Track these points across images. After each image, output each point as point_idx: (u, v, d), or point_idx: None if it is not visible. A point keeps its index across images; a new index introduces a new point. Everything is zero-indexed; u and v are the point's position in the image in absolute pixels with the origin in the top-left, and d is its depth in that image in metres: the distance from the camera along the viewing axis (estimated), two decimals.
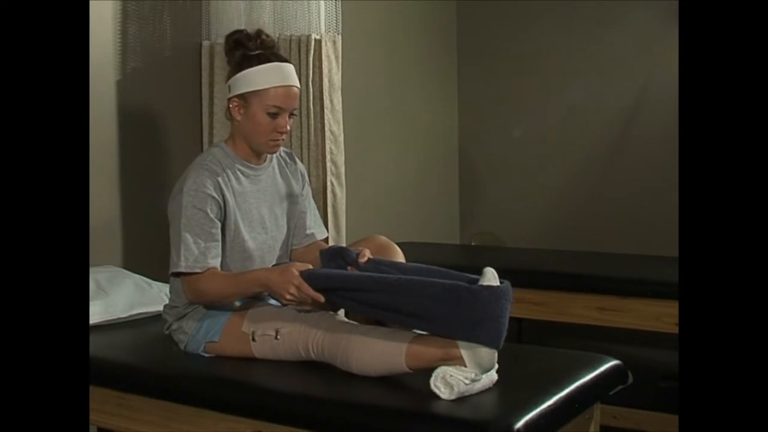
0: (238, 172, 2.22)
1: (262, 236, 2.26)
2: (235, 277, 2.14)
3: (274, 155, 2.33)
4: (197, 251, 2.10)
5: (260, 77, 2.16)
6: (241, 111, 2.19)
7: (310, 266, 2.04)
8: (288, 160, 2.38)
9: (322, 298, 1.97)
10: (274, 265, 2.21)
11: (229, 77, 2.22)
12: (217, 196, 2.14)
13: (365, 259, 2.06)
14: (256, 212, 2.25)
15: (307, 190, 2.41)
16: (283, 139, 2.22)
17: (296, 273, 1.98)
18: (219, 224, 2.15)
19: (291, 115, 2.21)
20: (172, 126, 3.16)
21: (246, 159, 2.24)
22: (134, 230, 3.04)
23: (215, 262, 2.13)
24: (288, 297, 1.99)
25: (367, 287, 1.95)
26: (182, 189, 2.14)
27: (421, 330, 1.92)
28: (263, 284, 2.05)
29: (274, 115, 2.17)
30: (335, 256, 2.11)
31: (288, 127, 2.20)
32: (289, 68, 2.21)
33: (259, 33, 2.22)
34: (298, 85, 2.22)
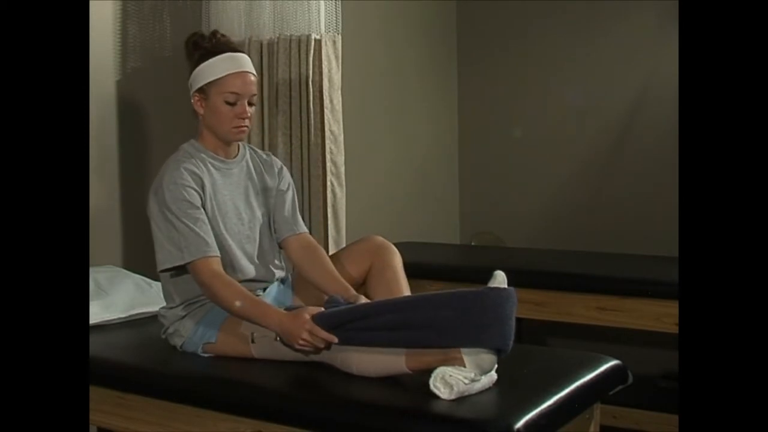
0: (210, 165, 2.25)
1: (238, 226, 2.27)
2: (250, 303, 2.08)
3: (247, 151, 2.37)
4: (197, 238, 2.12)
5: (215, 68, 2.21)
6: (203, 104, 2.24)
7: (323, 309, 2.02)
8: (264, 157, 2.42)
9: (335, 339, 1.95)
10: (287, 308, 2.11)
11: (189, 77, 2.27)
12: (196, 186, 2.18)
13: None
14: (230, 203, 2.27)
15: (288, 184, 2.41)
16: (246, 126, 2.25)
17: (307, 317, 1.97)
18: (204, 211, 2.18)
19: (251, 103, 2.25)
20: (171, 126, 3.16)
21: (214, 151, 2.28)
22: (134, 230, 3.04)
23: (215, 246, 2.14)
24: (300, 343, 1.98)
25: (378, 312, 1.94)
26: (161, 185, 2.16)
27: (435, 346, 1.87)
28: (275, 329, 2.03)
29: (233, 103, 2.21)
30: (332, 307, 2.07)
31: (249, 113, 2.24)
32: (243, 57, 2.27)
33: (214, 33, 2.30)
34: (254, 73, 2.27)
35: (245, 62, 2.25)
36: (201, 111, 2.25)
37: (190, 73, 2.26)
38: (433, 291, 2.06)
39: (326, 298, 2.14)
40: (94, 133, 2.61)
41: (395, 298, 2.03)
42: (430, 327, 1.86)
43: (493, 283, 1.85)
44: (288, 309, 2.09)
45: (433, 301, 1.89)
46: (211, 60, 2.22)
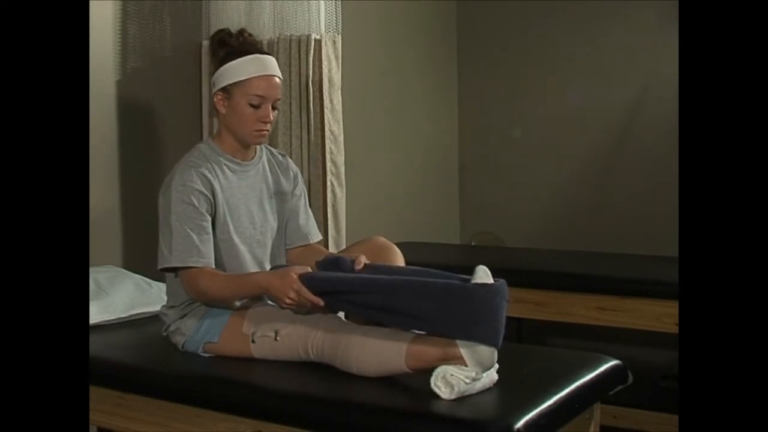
0: (225, 167, 2.23)
1: (250, 230, 2.26)
2: (235, 278, 2.14)
3: (264, 153, 2.35)
4: (190, 245, 2.11)
5: (241, 68, 2.18)
6: (225, 104, 2.22)
7: (309, 269, 2.03)
8: (280, 159, 2.39)
9: (321, 302, 1.97)
10: (272, 268, 2.21)
11: (213, 74, 2.25)
12: (205, 191, 2.15)
13: (361, 266, 2.06)
14: (243, 207, 2.25)
15: (301, 191, 2.41)
16: (267, 129, 2.23)
17: (295, 277, 1.98)
18: (209, 218, 2.16)
19: (274, 107, 2.22)
20: (172, 126, 3.16)
21: (232, 154, 2.26)
22: (135, 230, 3.04)
23: (209, 256, 2.13)
24: (287, 301, 1.99)
25: (365, 289, 1.94)
26: (170, 185, 2.15)
27: (419, 330, 1.92)
28: (263, 288, 2.05)
29: (256, 106, 2.19)
30: (331, 265, 2.09)
31: (272, 117, 2.22)
32: (270, 60, 2.23)
33: (241, 31, 2.26)
34: (280, 76, 2.25)
35: (272, 65, 2.22)
36: (222, 110, 2.22)
37: (214, 71, 2.23)
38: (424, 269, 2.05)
39: (320, 258, 2.15)
40: (94, 134, 2.61)
41: (383, 278, 1.96)
42: (417, 317, 1.87)
43: (476, 279, 1.85)
44: (274, 268, 2.14)
45: (420, 289, 1.88)
46: (237, 60, 2.18)
